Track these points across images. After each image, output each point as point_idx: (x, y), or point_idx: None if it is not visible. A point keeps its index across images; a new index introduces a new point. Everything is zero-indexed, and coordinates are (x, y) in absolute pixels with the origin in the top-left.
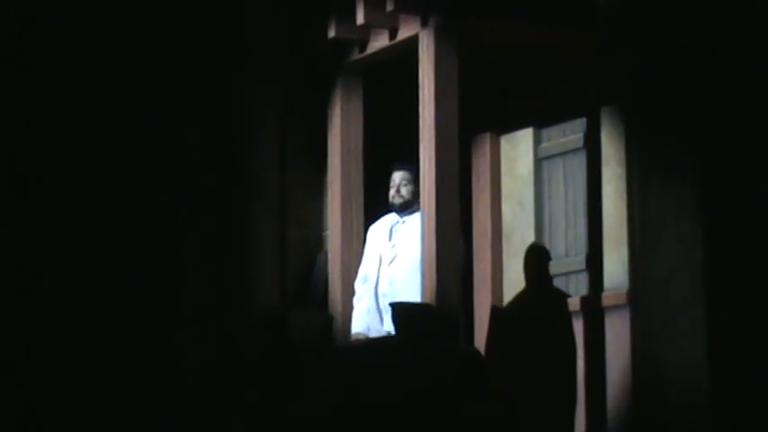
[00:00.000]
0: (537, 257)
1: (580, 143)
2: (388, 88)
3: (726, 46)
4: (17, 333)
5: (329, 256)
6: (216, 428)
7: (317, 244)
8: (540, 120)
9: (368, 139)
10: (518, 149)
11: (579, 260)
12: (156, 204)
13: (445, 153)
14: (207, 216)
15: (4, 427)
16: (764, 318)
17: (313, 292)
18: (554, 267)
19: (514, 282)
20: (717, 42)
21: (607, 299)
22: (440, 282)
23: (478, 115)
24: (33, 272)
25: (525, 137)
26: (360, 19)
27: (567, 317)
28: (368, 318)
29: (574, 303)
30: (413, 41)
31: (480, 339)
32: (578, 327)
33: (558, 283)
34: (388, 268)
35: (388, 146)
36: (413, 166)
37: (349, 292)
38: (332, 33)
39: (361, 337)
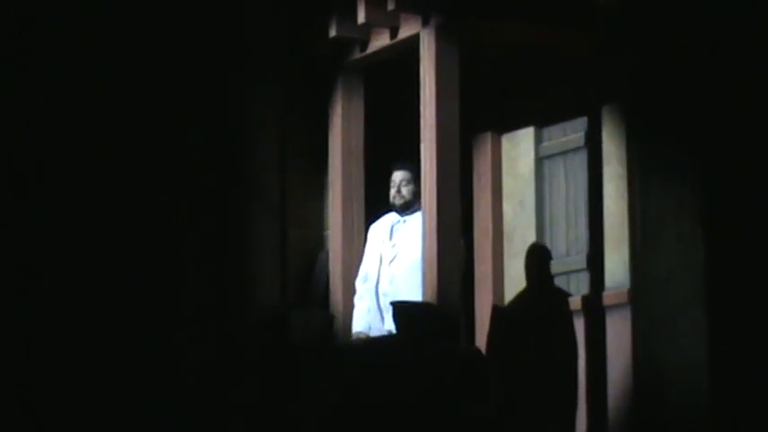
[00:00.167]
0: (538, 257)
1: (581, 142)
2: (389, 87)
3: (726, 46)
4: (17, 333)
5: (330, 255)
6: (216, 428)
7: (317, 244)
8: (541, 119)
9: (369, 138)
10: (519, 149)
11: (580, 259)
12: (156, 204)
13: (446, 152)
14: (207, 216)
15: (5, 427)
16: (764, 318)
17: (314, 291)
18: (555, 266)
19: (515, 281)
20: (717, 42)
21: (608, 298)
22: (441, 281)
23: (479, 115)
24: (33, 272)
25: (526, 136)
26: (361, 18)
27: (567, 316)
28: (369, 317)
29: (575, 302)
30: (414, 41)
31: (481, 339)
32: (579, 326)
33: (558, 282)
34: (389, 267)
35: (389, 145)
36: (413, 165)
37: (350, 292)
38: (333, 33)
39: (361, 336)
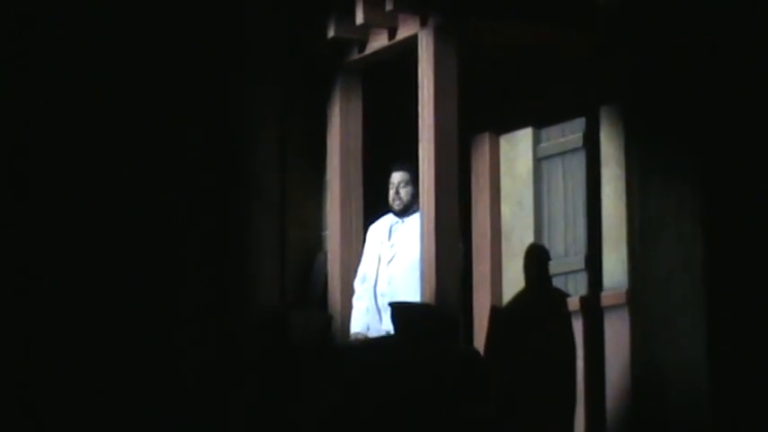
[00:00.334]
0: (537, 257)
1: (579, 143)
2: (388, 88)
3: (726, 46)
4: (17, 333)
5: (328, 255)
6: (216, 428)
7: (316, 244)
8: (540, 119)
9: (367, 138)
10: (517, 149)
11: (578, 260)
12: (156, 204)
13: (444, 153)
14: (207, 216)
15: (5, 427)
16: (764, 318)
17: (312, 291)
18: (553, 267)
19: (514, 282)
20: (717, 42)
21: (606, 299)
22: (439, 282)
23: (478, 115)
24: (33, 272)
25: (524, 137)
26: (359, 19)
27: (566, 317)
28: (367, 317)
29: (573, 303)
30: (412, 41)
31: (480, 339)
32: (577, 326)
33: (557, 282)
34: (387, 267)
35: (387, 146)
36: (412, 166)
37: (348, 292)
38: (331, 33)
39: (360, 336)
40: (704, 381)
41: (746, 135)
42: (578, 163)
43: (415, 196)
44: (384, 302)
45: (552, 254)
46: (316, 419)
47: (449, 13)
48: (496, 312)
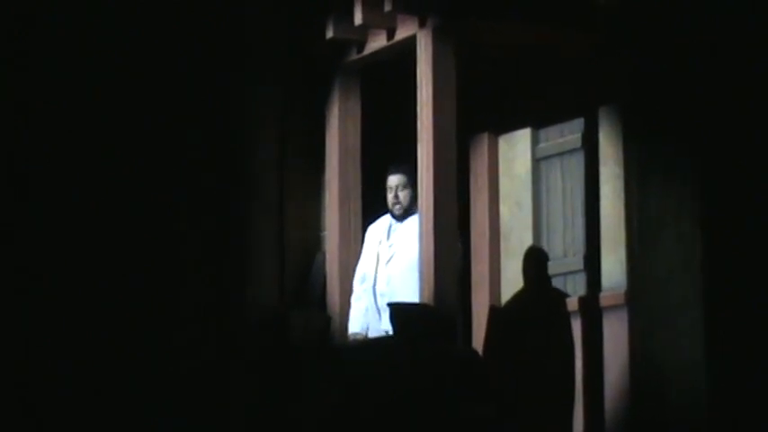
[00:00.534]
0: (536, 259)
1: (578, 143)
2: (386, 88)
3: (726, 46)
4: (17, 333)
5: (327, 256)
6: (216, 428)
7: (315, 244)
8: (538, 120)
9: (366, 139)
10: (516, 150)
11: (577, 260)
12: (156, 204)
13: (443, 153)
14: (207, 216)
15: (5, 427)
16: (764, 318)
17: (311, 292)
18: (552, 267)
19: (512, 282)
20: (717, 42)
21: (605, 299)
22: (438, 282)
23: (476, 115)
24: (33, 272)
25: (523, 137)
26: (358, 19)
27: (565, 317)
28: (366, 318)
29: (572, 303)
30: (411, 42)
31: (478, 339)
32: (576, 327)
33: (555, 283)
34: (386, 268)
35: (386, 146)
36: (408, 167)
37: (347, 292)
38: (330, 34)
39: (359, 336)
40: (704, 381)
41: (746, 135)
42: (577, 163)
43: (413, 198)
44: (383, 302)
45: (551, 254)
46: (316, 419)
47: (447, 14)
48: (495, 312)
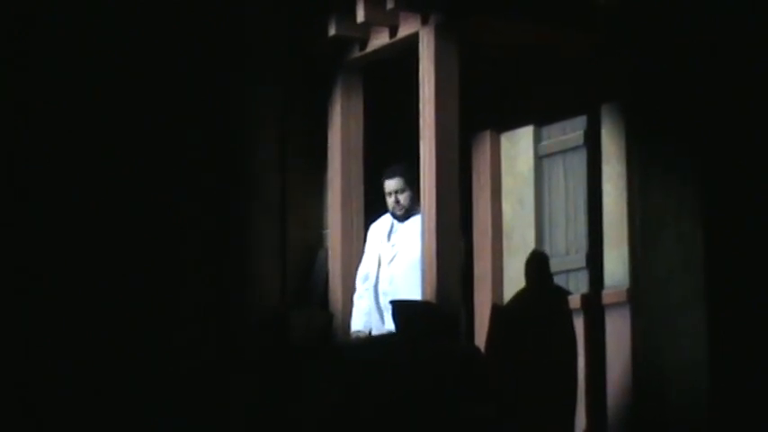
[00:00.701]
0: (538, 261)
1: (580, 141)
2: (389, 86)
3: (726, 46)
4: (17, 333)
5: (329, 253)
6: (216, 428)
7: (317, 243)
8: (541, 117)
9: (368, 136)
10: (518, 147)
11: (579, 258)
12: (156, 204)
13: (445, 151)
14: (207, 216)
15: (5, 427)
16: (764, 318)
17: (313, 289)
18: (554, 265)
19: (515, 280)
20: (717, 42)
21: (607, 297)
22: (440, 280)
23: (478, 113)
24: (33, 272)
25: (525, 135)
26: (360, 17)
27: (567, 314)
28: (367, 316)
29: (574, 301)
30: (413, 39)
31: (480, 337)
32: (578, 324)
33: (558, 280)
34: (388, 267)
35: (388, 144)
36: (404, 168)
37: (349, 290)
38: (332, 31)
39: (360, 335)
40: (704, 381)
41: (746, 135)
42: (579, 161)
43: (413, 199)
44: (386, 302)
45: (553, 252)
46: (316, 419)
47: (450, 12)
48: (497, 310)
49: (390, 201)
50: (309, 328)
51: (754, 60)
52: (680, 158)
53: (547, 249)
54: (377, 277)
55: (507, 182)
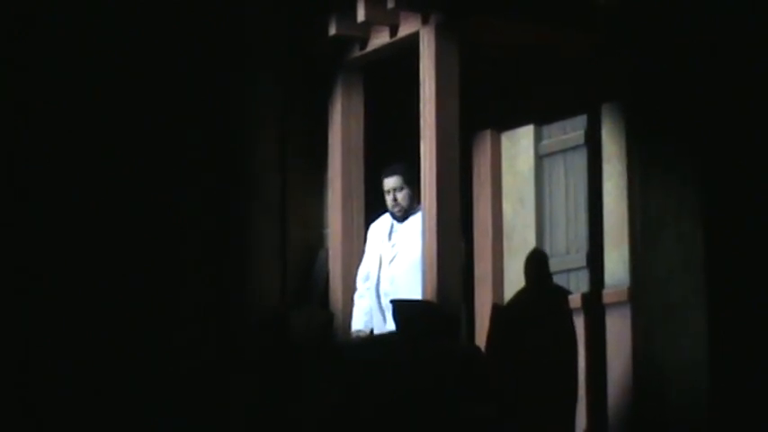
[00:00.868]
0: (537, 261)
1: (581, 140)
2: (389, 85)
3: (726, 46)
4: (17, 333)
5: (330, 253)
6: (216, 428)
7: (317, 242)
8: (541, 117)
9: (369, 136)
10: (519, 146)
11: (580, 257)
12: (156, 204)
13: (446, 150)
14: (207, 216)
15: (5, 427)
16: (764, 318)
17: (313, 289)
18: (555, 265)
19: (515, 279)
20: (717, 42)
21: (608, 296)
22: (441, 280)
23: (479, 112)
24: (33, 272)
25: (526, 134)
26: (360, 16)
27: (567, 314)
28: (368, 316)
29: (575, 300)
30: (414, 39)
31: (481, 337)
32: (579, 324)
33: (558, 280)
34: (389, 267)
35: (388, 143)
36: (404, 167)
37: (349, 290)
38: (332, 31)
39: (361, 334)
40: (704, 380)
41: (746, 135)
42: (580, 160)
43: (412, 198)
44: (387, 302)
45: (554, 251)
46: (316, 419)
47: (450, 11)
48: (498, 310)
49: (389, 199)
50: (309, 327)
51: (754, 60)
52: (680, 158)
53: (547, 249)
54: (378, 277)
55: (508, 181)
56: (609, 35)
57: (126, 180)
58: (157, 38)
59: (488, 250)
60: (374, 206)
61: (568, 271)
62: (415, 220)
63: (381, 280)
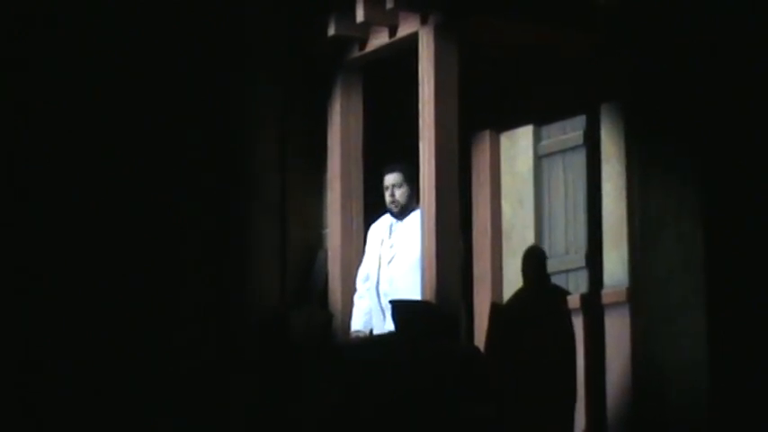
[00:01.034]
0: (536, 258)
1: (580, 140)
2: (388, 86)
3: (726, 46)
4: (17, 333)
5: (329, 253)
6: (216, 428)
7: (317, 243)
8: (541, 117)
9: (368, 136)
10: (518, 147)
11: (579, 258)
12: (156, 204)
13: (445, 150)
14: (207, 216)
15: (5, 427)
16: (764, 318)
17: (313, 289)
18: (554, 265)
19: (514, 279)
20: (717, 42)
21: (607, 296)
22: (440, 280)
23: (478, 113)
24: (33, 272)
25: (525, 134)
26: (360, 17)
27: (566, 314)
28: (367, 316)
29: (574, 301)
30: (413, 39)
31: (480, 337)
32: (578, 324)
33: (557, 280)
34: (388, 268)
35: (388, 143)
36: (405, 165)
37: (349, 290)
38: (332, 31)
39: (360, 334)
40: (704, 381)
41: (746, 135)
42: (579, 160)
43: (411, 196)
44: (387, 302)
45: (553, 251)
46: (316, 419)
47: (449, 12)
48: (496, 310)
49: (387, 195)
50: (309, 327)
51: (754, 60)
52: (680, 158)
53: (546, 249)
54: (377, 278)
55: (507, 181)
56: (609, 35)
57: (126, 180)
58: (157, 38)
59: (487, 250)
60: (373, 206)
61: (567, 271)
62: (414, 220)
63: (381, 280)
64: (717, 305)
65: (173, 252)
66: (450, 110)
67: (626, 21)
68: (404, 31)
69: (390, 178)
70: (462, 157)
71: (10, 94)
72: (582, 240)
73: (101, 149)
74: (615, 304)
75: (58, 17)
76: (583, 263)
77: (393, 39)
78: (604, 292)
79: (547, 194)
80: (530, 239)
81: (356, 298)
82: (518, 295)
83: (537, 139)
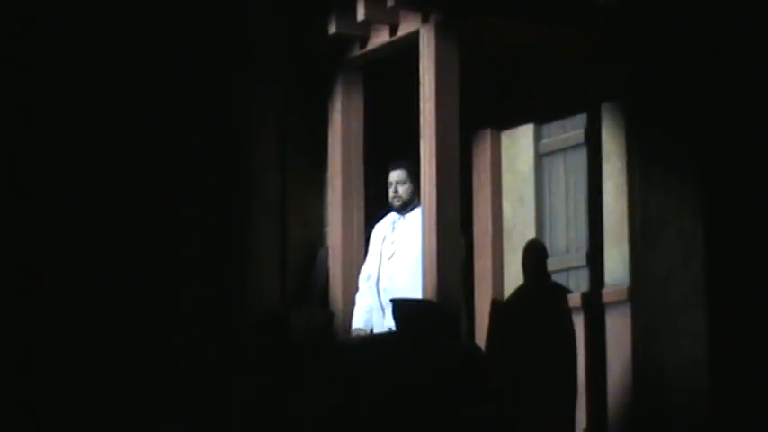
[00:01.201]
0: (537, 253)
1: (581, 139)
2: (389, 84)
3: (726, 46)
4: (17, 333)
5: (330, 252)
6: (216, 428)
7: (317, 241)
8: (541, 116)
9: (368, 135)
10: (518, 145)
11: (580, 256)
12: (156, 204)
13: (446, 149)
14: (207, 216)
15: (5, 427)
16: (764, 317)
17: (313, 288)
18: (554, 263)
19: (515, 278)
20: (717, 42)
21: (608, 295)
22: (441, 278)
23: (479, 111)
24: (33, 272)
25: (526, 133)
26: (360, 15)
27: (566, 312)
28: (369, 314)
29: (574, 299)
30: (413, 38)
31: (481, 335)
32: (579, 323)
33: (558, 279)
34: (388, 264)
35: (388, 142)
36: (409, 163)
37: (350, 289)
38: (332, 30)
39: (361, 333)
40: (704, 380)
41: (746, 135)
42: (580, 159)
43: (414, 193)
44: (386, 299)
45: (553, 250)
46: (316, 419)
47: (450, 11)
48: (497, 308)
49: (390, 191)
50: (309, 327)
51: (754, 60)
52: (680, 157)
53: (547, 247)
54: (378, 274)
55: (507, 180)
56: (609, 35)
57: (126, 180)
58: (157, 38)
59: (488, 249)
60: (374, 205)
61: (568, 270)
62: (416, 218)
63: (381, 277)
64: (717, 304)
65: (173, 252)
66: (450, 109)
67: (626, 21)
68: (404, 29)
69: (395, 175)
70: (463, 155)
71: (10, 94)
72: (582, 239)
73: (101, 149)
74: (616, 303)
75: (57, 17)
76: (583, 261)
77: (394, 37)
78: (605, 290)
79: (547, 193)
80: (530, 238)
81: (358, 296)
82: (518, 291)
83: (537, 137)
